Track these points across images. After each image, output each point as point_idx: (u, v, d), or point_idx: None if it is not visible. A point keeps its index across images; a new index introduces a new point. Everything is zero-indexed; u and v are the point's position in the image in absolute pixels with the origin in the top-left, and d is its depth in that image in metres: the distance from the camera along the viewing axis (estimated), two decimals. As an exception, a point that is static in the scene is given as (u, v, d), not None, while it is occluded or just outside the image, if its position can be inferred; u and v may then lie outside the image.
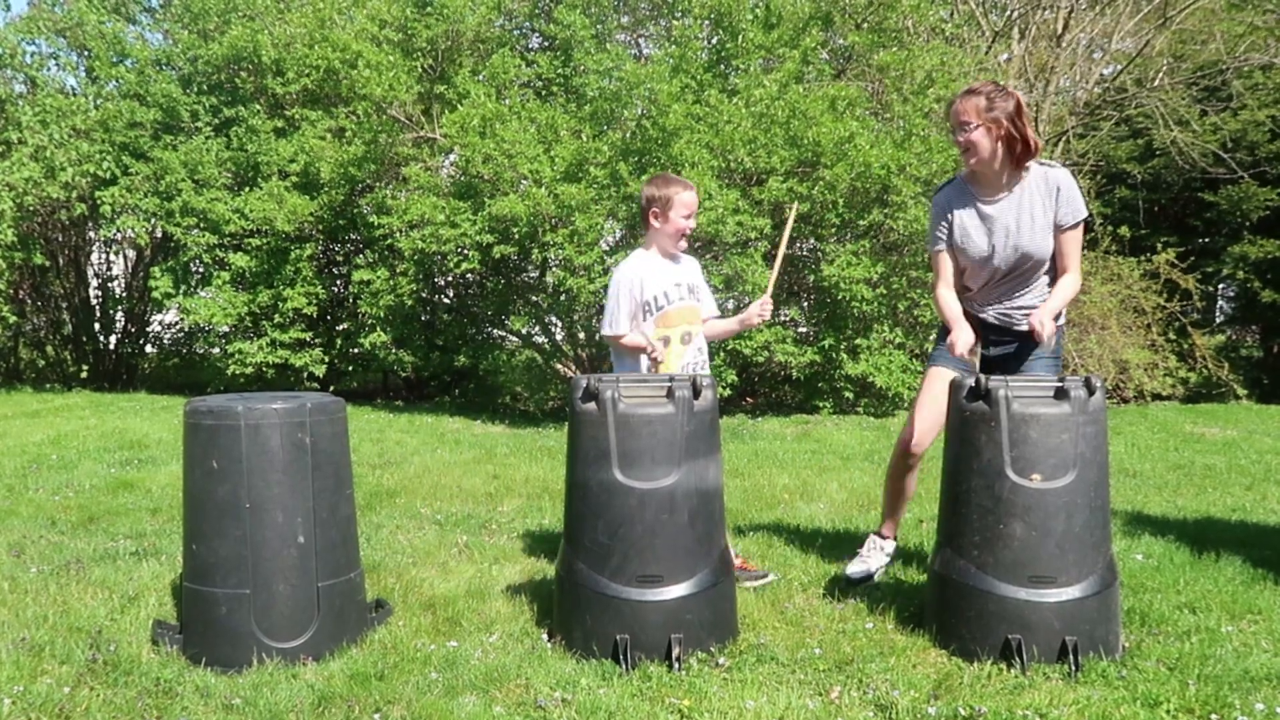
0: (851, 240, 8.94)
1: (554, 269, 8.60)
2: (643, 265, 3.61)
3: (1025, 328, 3.37)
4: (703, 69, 8.80)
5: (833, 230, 8.84)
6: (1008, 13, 12.76)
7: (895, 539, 3.82)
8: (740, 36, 8.83)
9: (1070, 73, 13.15)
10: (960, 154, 3.36)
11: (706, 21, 9.08)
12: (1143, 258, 11.60)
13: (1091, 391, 2.94)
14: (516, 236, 8.34)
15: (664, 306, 3.59)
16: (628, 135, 8.38)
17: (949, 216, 3.45)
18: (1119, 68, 12.94)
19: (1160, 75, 12.59)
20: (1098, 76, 12.97)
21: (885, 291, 8.89)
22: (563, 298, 8.62)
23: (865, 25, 9.81)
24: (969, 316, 3.50)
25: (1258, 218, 12.04)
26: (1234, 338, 13.67)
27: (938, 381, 3.49)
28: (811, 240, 9.20)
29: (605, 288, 8.42)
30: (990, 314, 3.50)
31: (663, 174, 3.93)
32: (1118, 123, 13.02)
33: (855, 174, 8.30)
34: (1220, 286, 13.31)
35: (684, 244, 3.68)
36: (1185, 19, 12.17)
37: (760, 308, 3.67)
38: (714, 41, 9.31)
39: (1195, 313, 12.36)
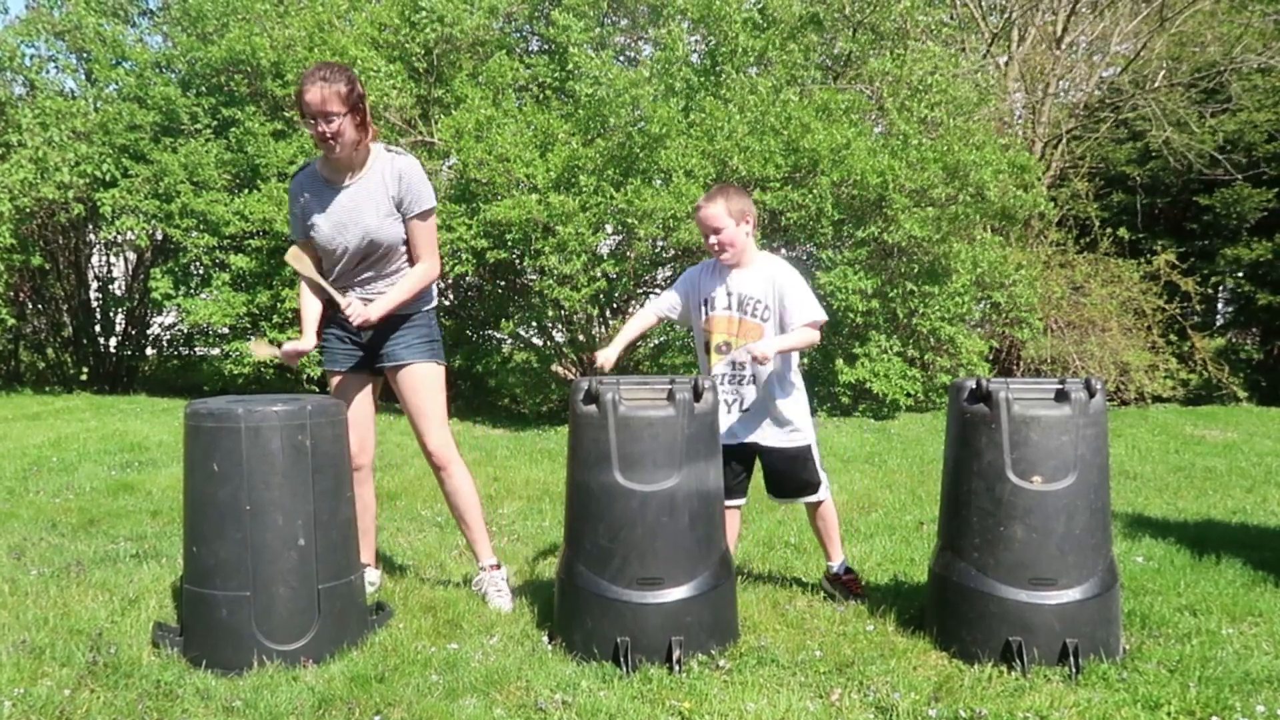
0: (849, 249, 8.91)
1: (544, 278, 8.53)
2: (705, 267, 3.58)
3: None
4: (694, 73, 8.77)
5: (827, 238, 8.81)
6: (1006, 14, 12.77)
7: (376, 565, 3.75)
8: (731, 41, 8.80)
9: (1069, 75, 13.16)
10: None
11: (701, 25, 9.06)
12: (1142, 260, 11.61)
13: (1092, 394, 2.95)
14: (510, 241, 8.33)
15: (709, 313, 3.51)
16: (615, 143, 8.34)
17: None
18: (1117, 70, 12.95)
19: (1159, 76, 12.60)
20: (1096, 79, 12.98)
21: (880, 304, 8.86)
22: (560, 306, 8.57)
23: (862, 28, 9.80)
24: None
25: (1255, 220, 12.05)
26: (1234, 340, 13.66)
27: (340, 389, 3.52)
28: (810, 246, 9.18)
29: (595, 295, 8.45)
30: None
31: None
32: (1116, 125, 13.03)
33: (849, 183, 8.28)
34: (1220, 289, 13.31)
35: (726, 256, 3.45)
36: (1184, 21, 12.18)
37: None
38: (708, 45, 9.28)
39: (1195, 315, 12.36)
